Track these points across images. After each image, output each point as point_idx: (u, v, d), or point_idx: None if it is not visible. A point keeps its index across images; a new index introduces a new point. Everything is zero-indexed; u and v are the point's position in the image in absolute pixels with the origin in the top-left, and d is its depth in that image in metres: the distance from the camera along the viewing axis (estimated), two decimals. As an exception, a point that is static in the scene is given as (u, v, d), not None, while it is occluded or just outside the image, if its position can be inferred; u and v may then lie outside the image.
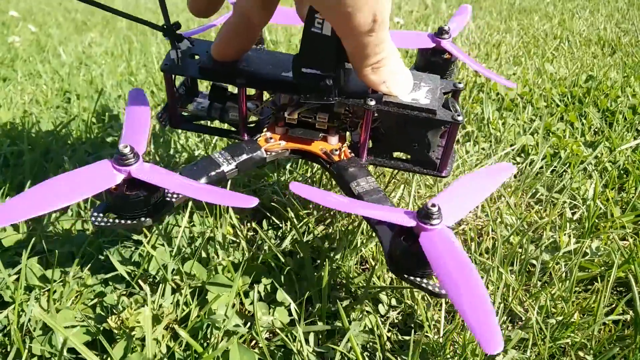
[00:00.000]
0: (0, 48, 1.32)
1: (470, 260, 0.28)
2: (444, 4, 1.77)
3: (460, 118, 0.36)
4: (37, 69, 1.12)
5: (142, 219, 0.33)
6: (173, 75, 0.39)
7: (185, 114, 0.43)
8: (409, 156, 0.40)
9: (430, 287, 0.30)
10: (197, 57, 0.39)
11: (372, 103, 0.36)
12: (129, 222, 0.32)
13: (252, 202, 0.29)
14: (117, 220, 0.32)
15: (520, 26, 1.41)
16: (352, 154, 0.39)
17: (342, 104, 0.39)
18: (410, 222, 0.29)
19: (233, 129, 0.42)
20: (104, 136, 0.70)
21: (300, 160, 0.60)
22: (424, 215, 0.29)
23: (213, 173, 0.36)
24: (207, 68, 0.38)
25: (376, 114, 0.37)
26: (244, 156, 0.38)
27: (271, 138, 0.40)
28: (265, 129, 0.41)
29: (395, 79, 0.35)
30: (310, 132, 0.40)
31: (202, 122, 0.44)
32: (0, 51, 1.28)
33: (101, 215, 0.33)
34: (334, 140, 0.40)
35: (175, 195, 0.35)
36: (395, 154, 0.40)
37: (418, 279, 0.31)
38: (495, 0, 1.84)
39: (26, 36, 1.51)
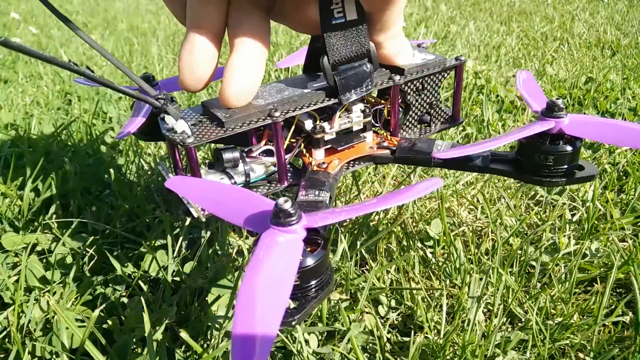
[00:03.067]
0: (1, 50, 1.32)
1: (612, 120, 0.32)
2: (443, 6, 1.77)
3: (463, 59, 0.37)
4: (38, 70, 1.12)
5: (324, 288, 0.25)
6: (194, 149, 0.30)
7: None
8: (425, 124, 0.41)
9: (580, 175, 0.33)
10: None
11: (397, 78, 0.35)
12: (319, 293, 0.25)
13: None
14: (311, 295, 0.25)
15: (520, 28, 1.41)
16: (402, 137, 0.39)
17: (360, 101, 0.36)
18: (549, 124, 0.32)
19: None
20: (104, 138, 0.70)
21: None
22: (550, 110, 0.32)
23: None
24: (234, 118, 0.30)
25: (406, 89, 0.37)
26: (329, 186, 0.33)
27: (323, 163, 0.35)
28: (308, 161, 0.36)
29: (407, 48, 0.36)
30: (352, 136, 0.36)
31: None
32: (1, 53, 1.28)
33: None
34: (370, 137, 0.37)
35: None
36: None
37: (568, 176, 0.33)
38: (495, 2, 1.84)
39: (27, 38, 1.52)
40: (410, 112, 0.39)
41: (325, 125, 0.35)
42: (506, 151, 0.37)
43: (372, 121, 0.38)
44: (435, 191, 0.56)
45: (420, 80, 0.38)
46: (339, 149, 0.36)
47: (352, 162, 0.37)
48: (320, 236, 0.25)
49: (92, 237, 0.48)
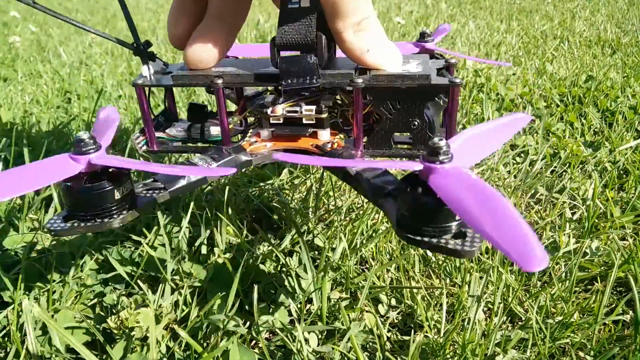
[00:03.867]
0: (1, 48, 1.32)
1: (494, 190, 0.24)
2: (444, 4, 1.77)
3: (458, 80, 0.32)
4: (38, 69, 1.12)
5: (107, 218, 0.28)
6: (147, 92, 0.37)
7: (164, 137, 0.40)
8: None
9: (450, 246, 0.25)
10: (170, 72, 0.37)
11: (360, 80, 0.32)
12: (89, 223, 0.28)
13: (229, 171, 0.27)
14: (76, 223, 0.28)
15: (521, 26, 1.41)
16: (347, 144, 0.37)
17: (329, 97, 0.36)
18: (417, 166, 0.25)
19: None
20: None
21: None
22: (431, 153, 0.25)
23: (193, 177, 0.33)
24: (181, 75, 0.36)
25: (369, 97, 0.34)
26: (226, 159, 0.35)
27: (256, 141, 0.37)
28: (249, 135, 0.39)
29: (381, 48, 0.32)
30: (298, 128, 0.37)
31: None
32: (1, 51, 1.28)
33: (60, 220, 0.29)
34: (325, 135, 0.37)
35: (156, 191, 0.31)
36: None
37: (435, 239, 0.25)
38: (495, 1, 1.84)
39: (27, 36, 1.52)
40: (377, 127, 0.36)
41: (272, 107, 0.36)
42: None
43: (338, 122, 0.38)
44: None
45: (391, 93, 0.33)
46: (276, 133, 0.37)
47: (286, 150, 0.37)
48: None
49: (92, 236, 0.47)
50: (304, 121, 0.37)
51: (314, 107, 0.36)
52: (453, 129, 0.34)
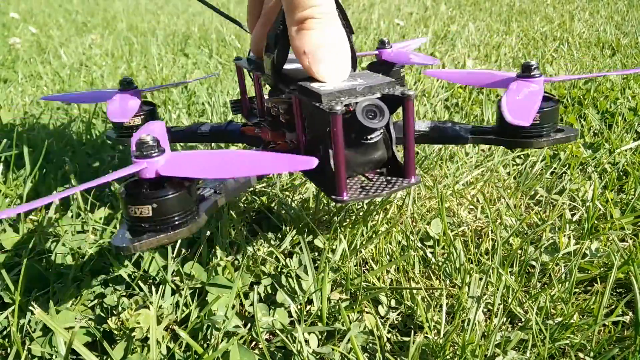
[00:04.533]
0: (1, 49, 1.32)
1: None
2: (443, 6, 1.77)
3: (411, 92, 0.27)
4: (38, 70, 1.12)
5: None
6: (242, 69, 0.45)
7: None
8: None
9: None
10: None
11: (287, 89, 0.30)
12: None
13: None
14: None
15: (520, 28, 1.41)
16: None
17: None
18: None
19: None
20: (104, 138, 0.70)
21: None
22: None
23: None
24: (251, 60, 0.41)
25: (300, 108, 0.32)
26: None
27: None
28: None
29: (321, 54, 0.28)
30: (275, 124, 0.38)
31: None
32: (0, 52, 1.28)
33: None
34: (290, 137, 0.36)
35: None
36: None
37: None
38: (495, 2, 1.84)
39: (27, 37, 1.52)
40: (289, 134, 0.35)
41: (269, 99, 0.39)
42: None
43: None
44: (435, 191, 0.56)
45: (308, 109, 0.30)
46: (264, 125, 0.41)
47: (258, 138, 0.43)
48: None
49: (92, 237, 0.48)
50: (281, 120, 0.37)
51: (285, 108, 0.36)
52: (410, 155, 0.30)
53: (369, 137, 0.28)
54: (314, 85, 0.28)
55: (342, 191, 0.28)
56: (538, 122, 0.36)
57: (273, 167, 0.25)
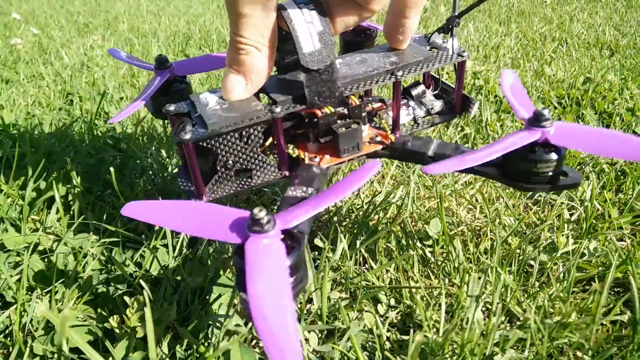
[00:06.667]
0: (2, 50, 1.32)
1: None
2: (442, 7, 1.78)
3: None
4: (40, 71, 1.12)
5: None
6: None
7: None
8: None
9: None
10: None
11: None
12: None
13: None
14: None
15: (519, 29, 1.41)
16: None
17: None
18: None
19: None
20: (106, 138, 0.71)
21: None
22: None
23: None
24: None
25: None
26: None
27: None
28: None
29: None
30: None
31: None
32: (2, 53, 1.28)
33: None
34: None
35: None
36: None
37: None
38: (494, 3, 1.85)
39: (28, 38, 1.52)
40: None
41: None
42: None
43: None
44: (435, 191, 0.56)
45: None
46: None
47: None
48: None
49: (94, 237, 0.48)
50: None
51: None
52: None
53: None
54: None
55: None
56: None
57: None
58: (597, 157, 0.65)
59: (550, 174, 0.34)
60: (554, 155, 0.33)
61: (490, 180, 0.58)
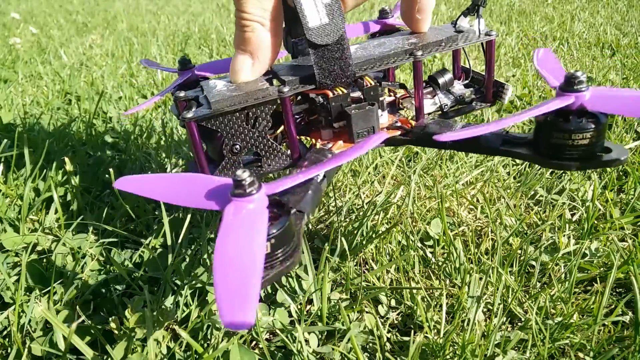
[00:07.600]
0: (1, 49, 1.32)
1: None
2: (443, 6, 1.77)
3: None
4: (38, 70, 1.12)
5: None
6: None
7: None
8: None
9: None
10: None
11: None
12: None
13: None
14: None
15: (520, 28, 1.41)
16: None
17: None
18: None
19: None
20: (105, 138, 0.70)
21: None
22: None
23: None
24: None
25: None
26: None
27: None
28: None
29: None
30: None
31: None
32: (1, 53, 1.28)
33: None
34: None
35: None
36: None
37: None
38: (495, 2, 1.84)
39: (27, 38, 1.52)
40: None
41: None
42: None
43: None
44: (435, 191, 0.56)
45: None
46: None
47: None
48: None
49: (93, 237, 0.48)
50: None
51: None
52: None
53: None
54: None
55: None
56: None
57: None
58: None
59: (589, 147, 0.29)
60: (591, 125, 0.28)
61: (492, 180, 0.58)
